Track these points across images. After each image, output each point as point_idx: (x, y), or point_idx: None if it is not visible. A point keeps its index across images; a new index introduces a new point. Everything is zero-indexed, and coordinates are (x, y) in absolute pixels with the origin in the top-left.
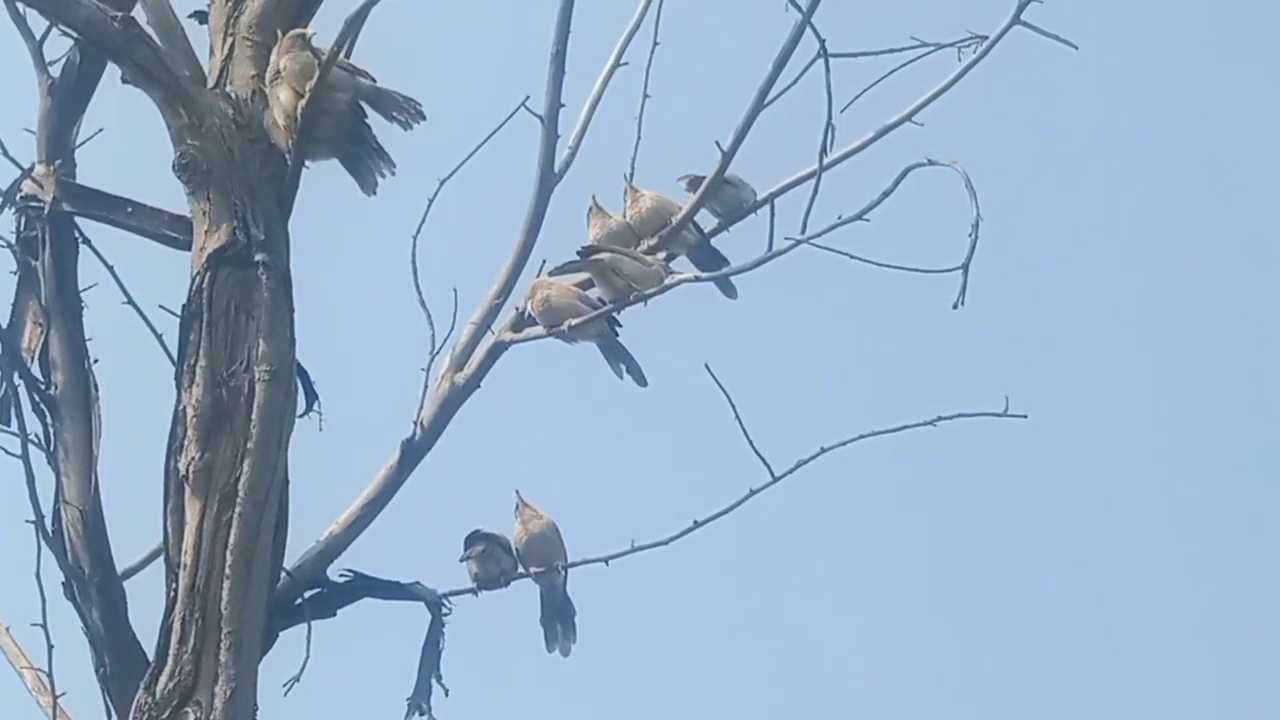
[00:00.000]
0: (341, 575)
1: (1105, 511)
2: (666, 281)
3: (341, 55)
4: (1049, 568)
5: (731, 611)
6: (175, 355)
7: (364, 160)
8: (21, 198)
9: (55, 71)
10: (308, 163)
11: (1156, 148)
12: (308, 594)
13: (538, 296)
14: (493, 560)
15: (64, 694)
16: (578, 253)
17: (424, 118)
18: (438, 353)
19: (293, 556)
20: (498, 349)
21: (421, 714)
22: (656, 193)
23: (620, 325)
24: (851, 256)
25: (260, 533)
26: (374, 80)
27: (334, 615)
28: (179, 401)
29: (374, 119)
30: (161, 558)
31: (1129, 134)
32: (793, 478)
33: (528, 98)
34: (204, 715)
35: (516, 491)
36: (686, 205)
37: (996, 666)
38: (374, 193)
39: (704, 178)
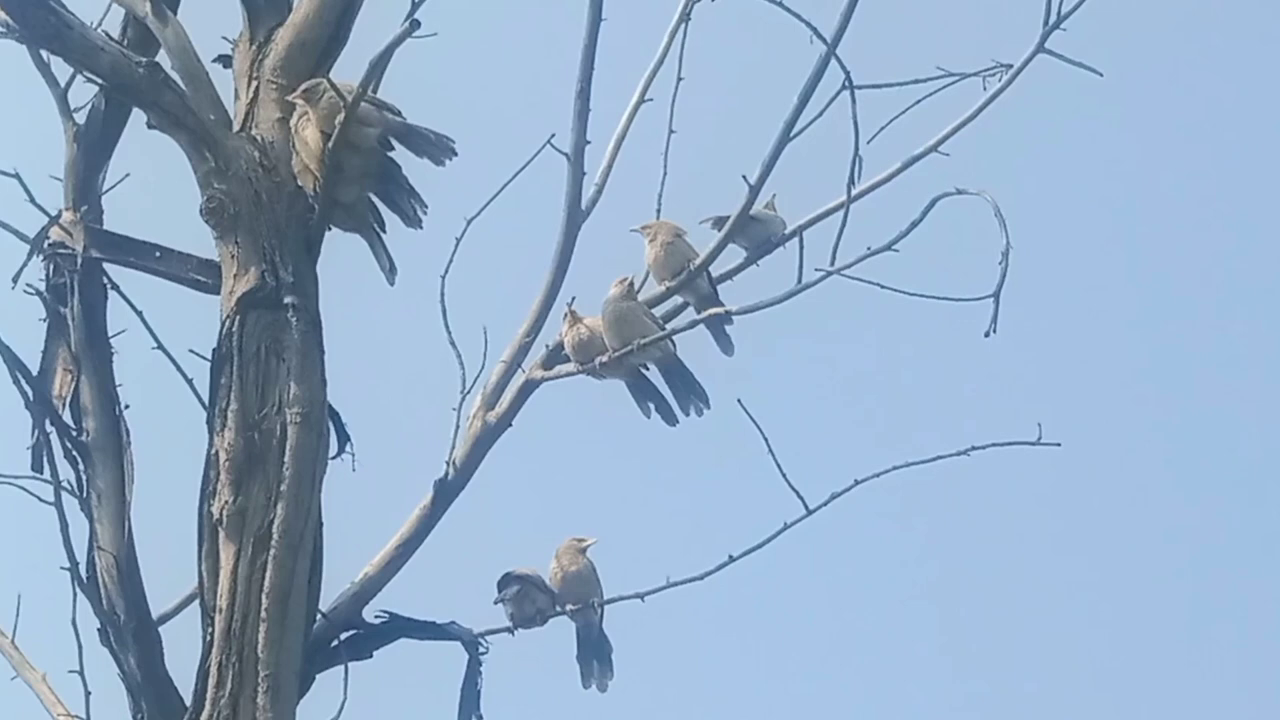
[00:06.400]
0: (377, 616)
1: (1140, 540)
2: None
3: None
4: (1086, 597)
5: (768, 645)
6: (206, 399)
7: (398, 198)
8: (50, 245)
9: (81, 118)
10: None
11: (1185, 173)
12: (344, 636)
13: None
14: (528, 599)
15: None
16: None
17: (455, 154)
18: (469, 392)
19: (328, 598)
20: (529, 387)
21: None
22: (675, 225)
23: (649, 366)
24: (882, 286)
25: (295, 575)
26: (403, 116)
27: (370, 657)
28: (211, 445)
29: (404, 158)
30: (197, 602)
31: (1156, 160)
32: (827, 510)
33: (553, 135)
34: None
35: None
36: (714, 241)
37: (1036, 694)
38: (420, 226)
39: (729, 216)
